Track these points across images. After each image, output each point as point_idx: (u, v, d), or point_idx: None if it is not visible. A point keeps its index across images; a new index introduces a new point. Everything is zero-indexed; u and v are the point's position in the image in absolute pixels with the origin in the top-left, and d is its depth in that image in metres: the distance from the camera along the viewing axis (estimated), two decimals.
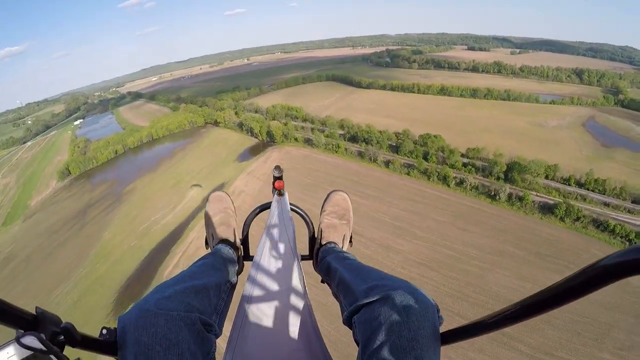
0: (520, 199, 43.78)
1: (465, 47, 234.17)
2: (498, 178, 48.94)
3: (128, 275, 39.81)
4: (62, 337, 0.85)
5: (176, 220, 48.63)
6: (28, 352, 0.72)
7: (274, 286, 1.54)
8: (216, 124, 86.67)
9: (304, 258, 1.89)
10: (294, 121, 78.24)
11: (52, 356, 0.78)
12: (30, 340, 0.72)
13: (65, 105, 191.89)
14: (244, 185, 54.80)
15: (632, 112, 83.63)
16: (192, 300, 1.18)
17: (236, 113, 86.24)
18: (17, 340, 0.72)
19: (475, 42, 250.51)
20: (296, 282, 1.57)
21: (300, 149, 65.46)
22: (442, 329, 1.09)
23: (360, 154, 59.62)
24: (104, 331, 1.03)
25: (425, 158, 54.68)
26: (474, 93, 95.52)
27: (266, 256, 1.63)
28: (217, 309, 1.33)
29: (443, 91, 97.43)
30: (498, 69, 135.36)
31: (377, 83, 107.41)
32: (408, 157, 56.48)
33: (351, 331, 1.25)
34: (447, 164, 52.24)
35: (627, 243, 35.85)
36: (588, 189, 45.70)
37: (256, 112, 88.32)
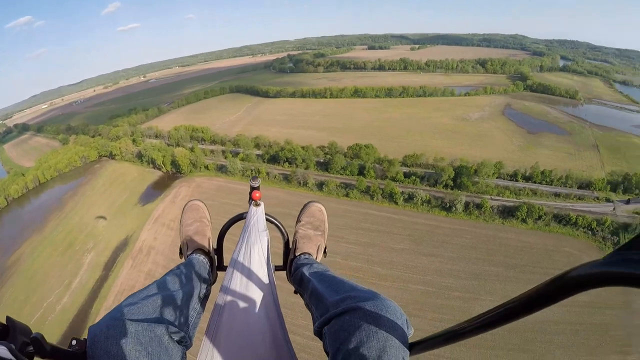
0: (478, 206, 40.94)
1: (365, 46, 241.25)
2: (446, 186, 45.13)
3: None
4: (32, 347, 0.84)
5: (74, 302, 36.96)
6: None
7: (246, 296, 1.55)
8: (112, 156, 72.54)
9: (278, 268, 1.90)
10: (201, 144, 67.71)
11: None
12: (1, 350, 0.72)
13: None
14: (152, 239, 43.53)
15: (541, 96, 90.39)
16: (163, 311, 1.18)
17: (134, 141, 74.05)
18: None
19: (374, 42, 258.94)
20: (268, 293, 1.59)
21: (214, 179, 55.73)
22: (412, 339, 1.10)
23: (287, 178, 50.30)
24: (74, 342, 1.01)
25: (362, 173, 47.66)
26: (389, 92, 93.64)
27: (240, 266, 1.63)
28: (188, 320, 1.33)
29: (357, 93, 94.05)
30: (404, 65, 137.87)
31: (286, 91, 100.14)
32: (342, 174, 49.59)
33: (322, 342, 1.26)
34: (388, 177, 46.71)
35: (590, 232, 37.69)
36: (535, 182, 45.78)
37: (157, 137, 77.03)
